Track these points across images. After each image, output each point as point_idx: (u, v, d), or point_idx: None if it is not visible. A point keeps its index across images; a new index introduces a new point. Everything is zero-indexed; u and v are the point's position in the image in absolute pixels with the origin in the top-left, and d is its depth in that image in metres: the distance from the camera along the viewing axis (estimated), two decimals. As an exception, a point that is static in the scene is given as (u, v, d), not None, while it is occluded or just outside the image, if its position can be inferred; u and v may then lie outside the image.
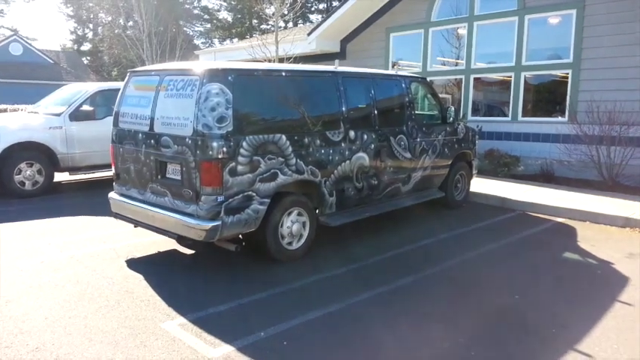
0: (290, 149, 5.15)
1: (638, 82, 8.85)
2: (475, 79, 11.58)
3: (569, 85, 9.89)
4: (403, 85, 6.83)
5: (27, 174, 8.34)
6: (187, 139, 4.67)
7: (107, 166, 8.57)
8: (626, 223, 6.71)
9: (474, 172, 8.21)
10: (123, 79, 5.77)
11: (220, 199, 4.62)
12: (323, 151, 5.50)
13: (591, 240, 6.17)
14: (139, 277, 4.80)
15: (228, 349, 3.47)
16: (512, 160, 10.09)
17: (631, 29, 8.92)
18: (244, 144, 4.74)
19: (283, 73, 5.41)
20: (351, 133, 5.82)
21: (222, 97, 4.64)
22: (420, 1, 12.12)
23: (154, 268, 5.08)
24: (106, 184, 8.78)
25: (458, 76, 11.92)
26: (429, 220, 7.11)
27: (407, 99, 6.80)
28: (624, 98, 8.78)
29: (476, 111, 11.68)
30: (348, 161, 5.78)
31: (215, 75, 4.68)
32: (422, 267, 5.14)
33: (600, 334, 3.74)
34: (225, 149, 4.60)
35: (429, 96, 7.71)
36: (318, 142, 5.45)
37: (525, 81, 10.62)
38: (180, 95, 4.86)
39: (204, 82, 4.63)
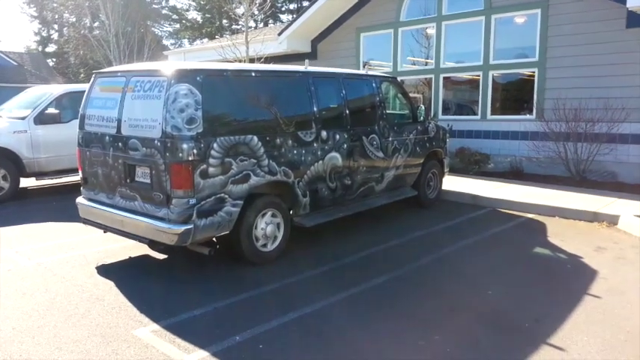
0: (262, 150, 5.11)
1: (601, 80, 9.10)
2: (445, 78, 11.72)
3: (535, 84, 10.10)
4: (374, 84, 6.85)
5: (-9, 180, 8.09)
6: (156, 142, 4.58)
7: (75, 171, 8.37)
8: (594, 217, 6.88)
9: (446, 170, 8.30)
10: (89, 81, 5.63)
11: (192, 201, 4.55)
12: (295, 152, 5.48)
13: (561, 235, 6.30)
14: (110, 283, 4.69)
15: (202, 354, 3.41)
16: (482, 157, 10.25)
17: (593, 29, 9.17)
18: (215, 145, 4.68)
19: (253, 74, 5.36)
20: (323, 133, 5.81)
21: (191, 98, 4.57)
22: (389, 2, 12.20)
23: (125, 274, 4.97)
24: (74, 189, 8.58)
25: (428, 76, 12.05)
26: (402, 219, 7.16)
27: (378, 98, 6.83)
28: (588, 96, 9.00)
29: (446, 110, 11.82)
30: (320, 161, 5.77)
31: (183, 75, 4.61)
32: (396, 266, 5.16)
33: (571, 327, 3.82)
34: (195, 151, 4.54)
35: (399, 95, 7.77)
36: (290, 142, 5.42)
37: (493, 80, 10.80)
38: (147, 96, 4.77)
39: (173, 82, 4.55)
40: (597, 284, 4.69)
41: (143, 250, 5.49)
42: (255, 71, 5.41)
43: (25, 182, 9.06)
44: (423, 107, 7.60)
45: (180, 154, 4.49)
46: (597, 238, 6.19)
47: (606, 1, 8.87)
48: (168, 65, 4.88)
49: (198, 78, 4.67)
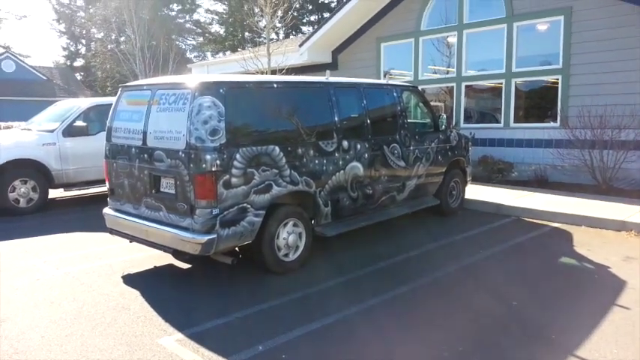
0: (284, 160, 5.15)
1: (626, 85, 8.94)
2: (466, 86, 11.66)
3: (559, 91, 9.97)
4: (395, 94, 6.86)
5: (21, 191, 8.30)
6: (180, 153, 4.67)
7: (102, 182, 8.54)
8: (622, 226, 6.73)
9: (468, 178, 8.24)
10: (116, 94, 5.77)
11: (215, 211, 4.61)
12: (317, 162, 5.51)
13: (587, 244, 6.18)
14: (136, 292, 4.77)
15: (225, 363, 3.45)
16: (505, 166, 10.14)
17: (617, 34, 9.02)
18: (238, 156, 4.75)
19: (275, 85, 5.44)
20: (345, 143, 5.84)
21: (215, 110, 4.65)
22: (410, 11, 12.22)
23: (150, 284, 5.05)
24: (100, 200, 8.74)
25: (449, 84, 12.00)
26: (424, 228, 7.11)
27: (399, 108, 6.83)
28: (614, 102, 8.86)
29: (468, 118, 11.74)
30: (342, 171, 5.79)
31: (207, 88, 4.70)
32: (418, 276, 5.13)
33: (599, 338, 3.74)
34: (218, 162, 4.61)
35: (420, 104, 7.76)
36: (311, 152, 5.46)
37: (516, 87, 10.70)
38: (172, 109, 4.86)
39: (196, 95, 4.64)
40: (626, 295, 4.58)
41: (168, 259, 5.57)
42: (277, 82, 5.48)
43: (54, 193, 9.27)
44: (445, 116, 7.58)
45: (204, 165, 4.56)
46: (625, 247, 6.06)
47: (631, 5, 8.73)
48: (192, 78, 4.98)
49: (221, 90, 4.75)
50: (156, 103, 5.06)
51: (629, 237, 6.48)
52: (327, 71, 6.50)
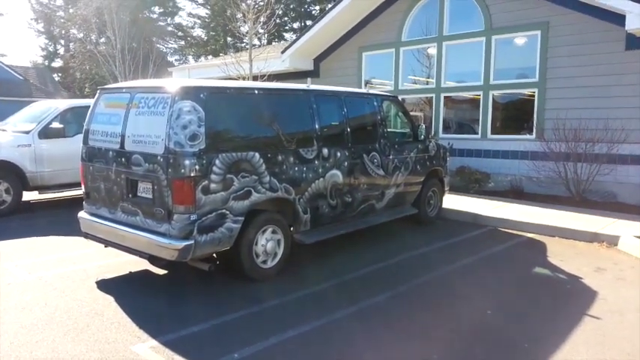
0: (263, 167, 5.15)
1: (600, 100, 9.16)
2: (445, 97, 11.81)
3: (535, 104, 10.17)
4: (375, 103, 6.92)
5: (-7, 193, 8.13)
6: (159, 157, 4.63)
7: (77, 185, 8.39)
8: (594, 237, 6.88)
9: (446, 188, 8.34)
10: (94, 96, 5.70)
11: (193, 217, 4.57)
12: (297, 169, 5.52)
13: (560, 255, 6.30)
14: (110, 298, 4.69)
15: (200, 370, 3.42)
16: (482, 176, 10.29)
17: (593, 50, 9.26)
18: (217, 162, 4.73)
19: (256, 91, 5.44)
20: (325, 151, 5.86)
21: (195, 115, 4.63)
22: (391, 22, 12.35)
23: (125, 290, 4.98)
24: (76, 203, 8.61)
25: (429, 95, 12.14)
26: (402, 237, 7.17)
27: (379, 117, 6.89)
28: (588, 116, 9.07)
29: (447, 129, 11.88)
30: (321, 179, 5.81)
31: (187, 92, 4.68)
32: (396, 284, 5.17)
33: (571, 348, 3.81)
34: (197, 167, 4.58)
35: (400, 114, 7.84)
36: (291, 159, 5.47)
37: (494, 99, 10.88)
38: (151, 113, 4.82)
39: (176, 99, 4.61)
40: (597, 305, 4.68)
41: (143, 265, 5.50)
42: (258, 89, 5.48)
43: (28, 196, 9.09)
44: (424, 126, 7.67)
45: (183, 170, 4.53)
46: (597, 258, 6.19)
47: (606, 23, 8.98)
48: (172, 82, 4.95)
49: (201, 95, 4.73)
50: (135, 106, 5.02)
51: (600, 248, 6.63)
52: (309, 79, 6.57)
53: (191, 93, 4.69)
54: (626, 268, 5.79)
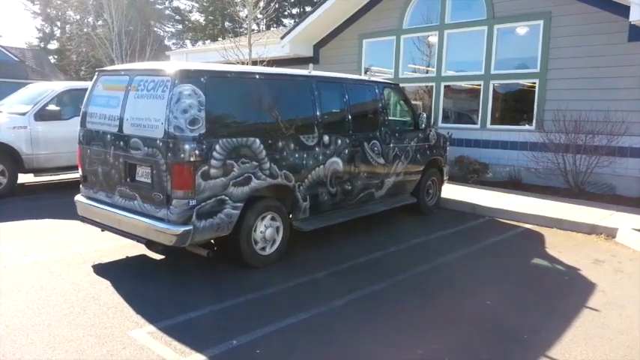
0: (264, 153, 5.09)
1: (601, 92, 9.12)
2: (445, 86, 11.73)
3: (536, 94, 10.10)
4: (377, 90, 6.86)
5: (-12, 175, 8.06)
6: (158, 141, 4.56)
7: (73, 168, 8.34)
8: (592, 229, 6.88)
9: (445, 178, 8.31)
10: (91, 79, 5.61)
11: (192, 203, 4.52)
12: (297, 156, 5.46)
13: (558, 246, 6.29)
14: (107, 283, 4.65)
15: (198, 357, 3.38)
16: (481, 167, 10.25)
17: (595, 41, 9.19)
18: (217, 147, 4.67)
19: (257, 76, 5.35)
20: (325, 138, 5.80)
21: (195, 99, 4.56)
22: (392, 9, 12.23)
23: (122, 274, 4.94)
24: (71, 187, 8.54)
25: (429, 84, 12.07)
26: (401, 226, 7.14)
27: (380, 105, 6.83)
28: (589, 108, 9.02)
29: (446, 118, 11.83)
30: (322, 166, 5.76)
31: (187, 76, 4.60)
32: (395, 272, 5.14)
33: (570, 340, 3.80)
34: (197, 152, 4.52)
35: (401, 102, 7.77)
36: (292, 146, 5.41)
37: (494, 89, 10.82)
38: (150, 96, 4.75)
39: (176, 83, 4.54)
40: (596, 297, 4.67)
41: (140, 249, 5.46)
42: (259, 74, 5.40)
43: (23, 178, 9.01)
44: (425, 115, 7.60)
45: (182, 155, 4.47)
46: (595, 250, 6.19)
47: (609, 14, 8.90)
48: (173, 65, 4.87)
49: (202, 79, 4.66)
50: (134, 89, 4.94)
51: (598, 240, 6.62)
52: (311, 65, 6.49)
53: (192, 76, 4.62)
54: (625, 261, 5.79)
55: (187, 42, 43.14)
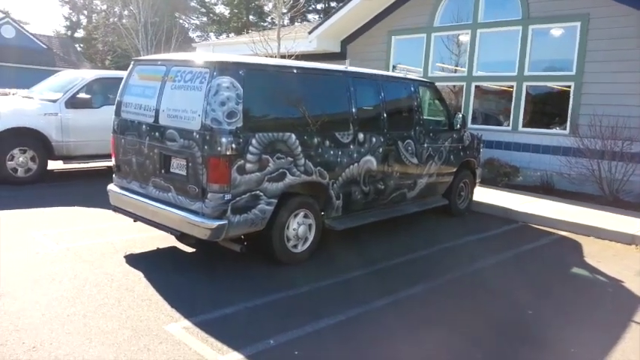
0: (299, 149, 4.99)
1: (639, 98, 8.83)
2: (476, 87, 11.51)
3: (571, 98, 9.84)
4: (412, 89, 6.71)
5: (20, 160, 8.08)
6: (195, 134, 4.50)
7: (102, 157, 8.34)
8: (632, 240, 6.64)
9: (478, 180, 8.13)
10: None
11: (227, 197, 4.45)
12: (332, 153, 5.36)
13: (597, 256, 6.09)
14: (139, 274, 4.61)
15: (236, 356, 3.30)
16: (511, 170, 10.03)
17: (635, 45, 8.90)
18: (254, 141, 4.58)
19: (294, 70, 5.25)
20: (360, 136, 5.69)
21: (233, 92, 4.47)
22: (423, 6, 12.02)
23: (154, 266, 4.89)
24: (100, 175, 8.57)
25: (459, 83, 11.85)
26: (432, 228, 7.00)
27: (416, 103, 6.69)
28: (627, 114, 8.75)
29: (474, 119, 11.61)
30: (356, 164, 5.64)
31: (226, 68, 4.52)
32: (430, 276, 5.02)
33: (620, 355, 3.65)
34: (234, 146, 4.44)
35: (436, 102, 7.61)
36: (327, 142, 5.31)
37: (527, 91, 10.57)
38: (188, 87, 4.68)
39: (215, 74, 4.46)
40: (641, 311, 4.49)
41: (170, 241, 5.41)
42: (297, 68, 5.30)
43: (53, 165, 9.05)
44: (460, 115, 7.43)
45: (219, 148, 4.39)
46: (637, 262, 5.96)
47: (651, 17, 8.62)
48: (211, 57, 4.80)
49: (240, 71, 4.57)
50: (171, 79, 4.87)
51: (638, 252, 6.40)
52: (347, 60, 6.35)
53: (230, 69, 4.53)
54: (667, 274, 5.58)
55: (211, 34, 43.24)
